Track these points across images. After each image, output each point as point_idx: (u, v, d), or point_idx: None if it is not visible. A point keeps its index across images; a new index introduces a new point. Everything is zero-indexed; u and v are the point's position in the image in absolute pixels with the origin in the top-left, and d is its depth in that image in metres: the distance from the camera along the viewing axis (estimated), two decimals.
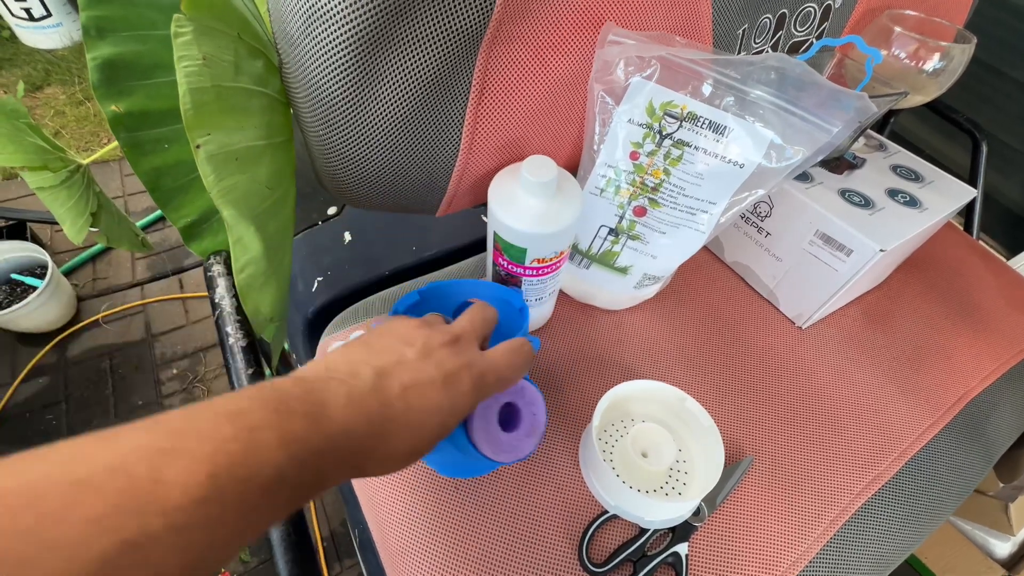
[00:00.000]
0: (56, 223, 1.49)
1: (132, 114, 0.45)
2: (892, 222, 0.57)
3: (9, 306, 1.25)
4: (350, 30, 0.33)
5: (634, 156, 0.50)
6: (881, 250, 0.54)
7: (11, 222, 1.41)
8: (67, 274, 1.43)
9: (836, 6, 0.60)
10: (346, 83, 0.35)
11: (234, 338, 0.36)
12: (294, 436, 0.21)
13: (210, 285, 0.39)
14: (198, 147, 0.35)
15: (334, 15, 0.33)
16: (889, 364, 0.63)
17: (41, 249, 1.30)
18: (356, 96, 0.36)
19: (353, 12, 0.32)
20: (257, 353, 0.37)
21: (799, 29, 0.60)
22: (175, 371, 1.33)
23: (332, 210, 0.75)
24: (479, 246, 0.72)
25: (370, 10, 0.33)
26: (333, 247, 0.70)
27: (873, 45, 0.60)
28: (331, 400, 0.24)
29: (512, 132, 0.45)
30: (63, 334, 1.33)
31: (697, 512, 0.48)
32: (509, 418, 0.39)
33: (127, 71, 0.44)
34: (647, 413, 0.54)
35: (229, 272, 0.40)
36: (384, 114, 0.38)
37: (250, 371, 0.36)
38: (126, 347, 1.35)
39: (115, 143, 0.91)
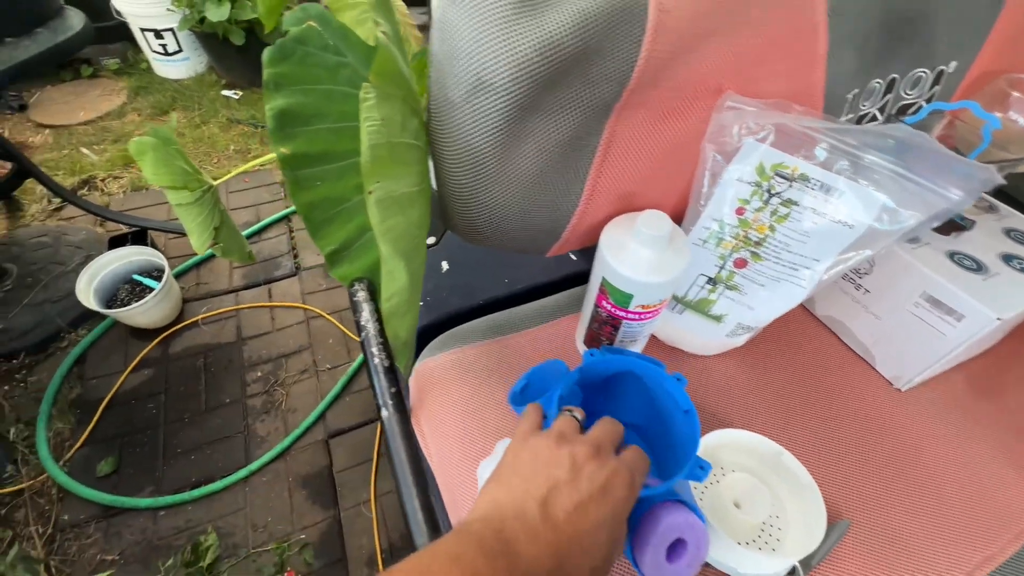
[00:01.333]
0: (172, 232, 1.67)
1: (295, 156, 0.52)
2: (1009, 289, 0.55)
3: (129, 303, 1.41)
4: (508, 99, 0.38)
5: (740, 212, 0.52)
6: (998, 319, 0.52)
7: (136, 229, 1.60)
8: (176, 278, 1.60)
9: (949, 70, 0.61)
10: (496, 141, 0.40)
11: (378, 359, 0.41)
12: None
13: (356, 309, 0.45)
14: (370, 192, 0.40)
15: (497, 87, 0.38)
16: (999, 437, 0.59)
17: (159, 254, 1.47)
18: (503, 152, 0.41)
19: (514, 85, 0.37)
20: (396, 373, 0.41)
21: (908, 92, 0.61)
22: (259, 373, 1.44)
23: (431, 240, 0.81)
24: (567, 282, 0.75)
25: (528, 83, 0.37)
26: (431, 275, 0.76)
27: (988, 109, 0.60)
28: (514, 538, 0.27)
29: (628, 185, 0.49)
30: (168, 331, 1.48)
31: (792, 572, 0.48)
32: (674, 546, 0.39)
33: (293, 119, 0.52)
34: (738, 463, 0.54)
35: (372, 298, 0.45)
36: (524, 168, 0.42)
37: (392, 390, 0.40)
38: (219, 348, 1.48)
39: (235, 170, 1.04)
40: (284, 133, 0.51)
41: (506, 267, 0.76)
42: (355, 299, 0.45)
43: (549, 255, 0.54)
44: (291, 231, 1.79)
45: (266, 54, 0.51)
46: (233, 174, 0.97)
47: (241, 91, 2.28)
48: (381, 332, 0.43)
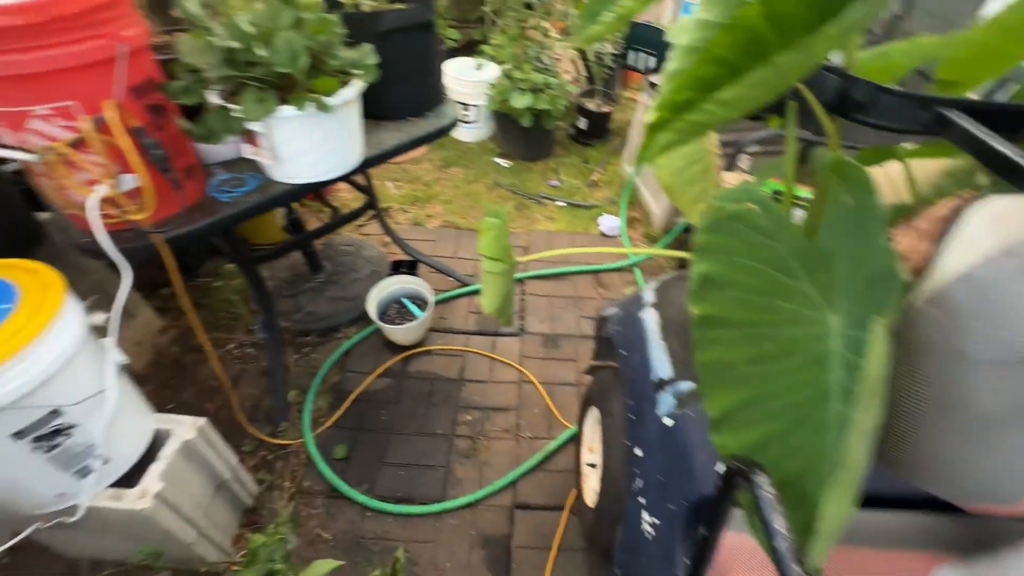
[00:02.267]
0: (436, 268, 1.97)
1: (703, 316, 0.56)
2: None
3: (394, 321, 1.69)
4: None
5: None
6: None
7: (412, 259, 1.93)
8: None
9: None
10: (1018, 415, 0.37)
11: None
12: None
13: (760, 506, 0.44)
14: (858, 424, 0.41)
15: None
16: None
17: (428, 288, 1.74)
18: (1014, 425, 0.38)
19: None
20: None
21: None
22: (468, 417, 1.57)
23: None
24: (899, 501, 0.66)
25: None
26: None
27: None
28: None
29: None
30: (411, 351, 1.72)
31: None
32: None
33: (711, 284, 0.56)
34: None
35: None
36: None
37: None
38: (443, 380, 1.66)
39: (536, 255, 1.14)
40: (700, 294, 0.56)
41: None
42: (761, 495, 0.44)
43: (971, 509, 0.48)
44: (523, 293, 1.97)
45: (703, 221, 0.57)
46: (530, 257, 1.11)
47: (512, 161, 2.65)
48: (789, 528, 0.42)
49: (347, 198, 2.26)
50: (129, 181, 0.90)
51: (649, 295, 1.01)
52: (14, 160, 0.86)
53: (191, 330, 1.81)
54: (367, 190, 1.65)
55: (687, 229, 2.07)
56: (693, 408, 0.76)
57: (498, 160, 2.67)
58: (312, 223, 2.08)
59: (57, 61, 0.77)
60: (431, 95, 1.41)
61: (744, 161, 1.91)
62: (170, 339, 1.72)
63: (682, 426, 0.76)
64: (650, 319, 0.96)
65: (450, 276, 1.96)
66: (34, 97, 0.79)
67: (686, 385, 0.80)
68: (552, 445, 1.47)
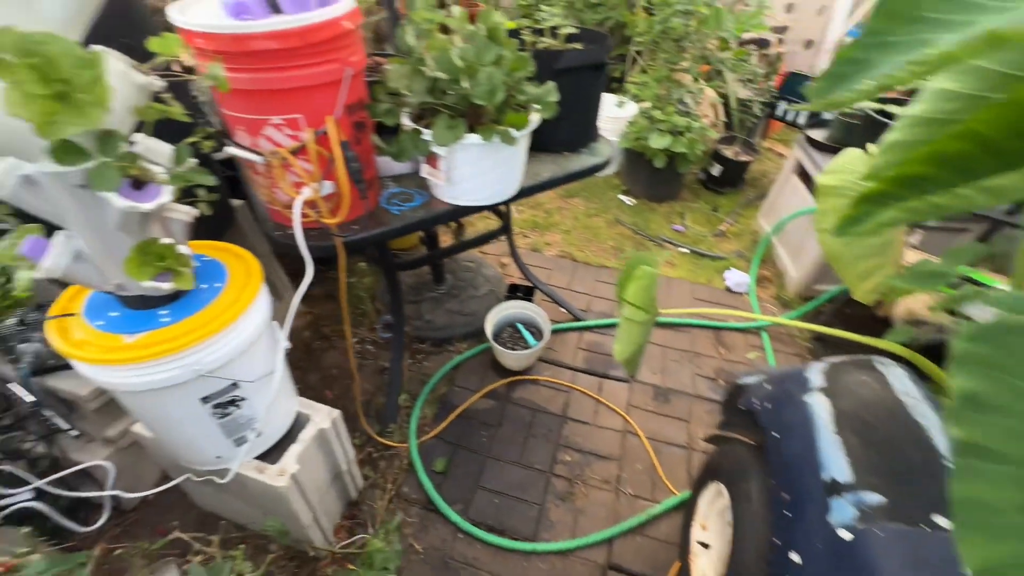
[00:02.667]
0: (552, 298, 1.96)
1: (965, 442, 0.48)
2: None
3: (506, 344, 1.70)
4: None
5: None
6: None
7: (530, 285, 1.94)
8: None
9: None
10: None
11: None
12: None
13: None
14: None
15: None
16: None
17: (545, 319, 1.73)
18: None
19: None
20: None
21: None
22: (568, 458, 1.52)
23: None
24: None
25: None
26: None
27: None
28: None
29: None
30: (517, 376, 1.72)
31: None
32: None
33: (974, 404, 0.48)
34: None
35: None
36: None
37: None
38: (545, 413, 1.63)
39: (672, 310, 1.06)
40: (962, 415, 0.47)
41: None
42: None
43: None
44: None
45: (968, 329, 0.49)
46: (677, 311, 1.05)
47: (636, 200, 2.61)
48: None
49: (473, 217, 2.35)
50: (328, 187, 0.99)
51: (817, 377, 0.91)
52: (234, 155, 0.99)
53: (322, 318, 1.99)
54: (504, 215, 1.69)
55: (832, 300, 1.87)
56: (884, 528, 0.66)
57: (622, 197, 2.64)
58: (443, 237, 2.19)
59: (300, 80, 0.87)
60: (589, 132, 1.42)
61: (915, 235, 1.70)
62: (304, 324, 1.88)
63: (866, 545, 0.66)
64: (819, 406, 0.85)
65: (564, 308, 1.95)
66: (273, 108, 0.91)
67: (874, 498, 0.69)
68: (656, 509, 1.37)
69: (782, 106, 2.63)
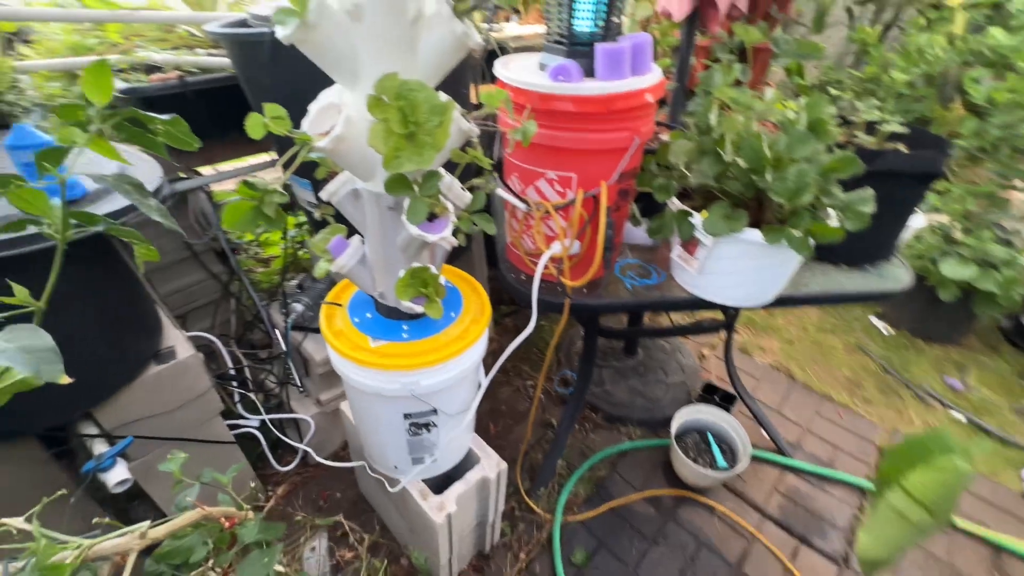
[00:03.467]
0: (757, 418, 1.64)
1: None
2: None
3: (688, 453, 1.47)
4: None
5: None
6: None
7: (732, 393, 1.67)
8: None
9: None
10: None
11: None
12: None
13: None
14: None
15: None
16: None
17: (744, 435, 1.45)
18: None
19: None
20: None
21: None
22: None
23: None
24: None
25: None
26: None
27: None
28: None
29: None
30: (689, 494, 1.47)
31: None
32: None
33: None
34: None
35: None
36: None
37: None
38: (714, 554, 1.35)
39: None
40: None
41: None
42: None
43: None
44: (862, 508, 1.46)
45: None
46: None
47: (895, 329, 2.09)
48: None
49: None
50: (576, 247, 0.97)
51: None
52: (502, 196, 1.03)
53: (502, 352, 2.04)
54: (731, 314, 1.49)
55: None
56: None
57: (875, 320, 2.14)
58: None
59: (589, 143, 0.87)
60: (884, 248, 1.15)
61: None
62: (488, 351, 1.94)
63: None
64: None
65: (768, 433, 1.62)
66: (553, 164, 0.92)
67: None
68: None
69: None
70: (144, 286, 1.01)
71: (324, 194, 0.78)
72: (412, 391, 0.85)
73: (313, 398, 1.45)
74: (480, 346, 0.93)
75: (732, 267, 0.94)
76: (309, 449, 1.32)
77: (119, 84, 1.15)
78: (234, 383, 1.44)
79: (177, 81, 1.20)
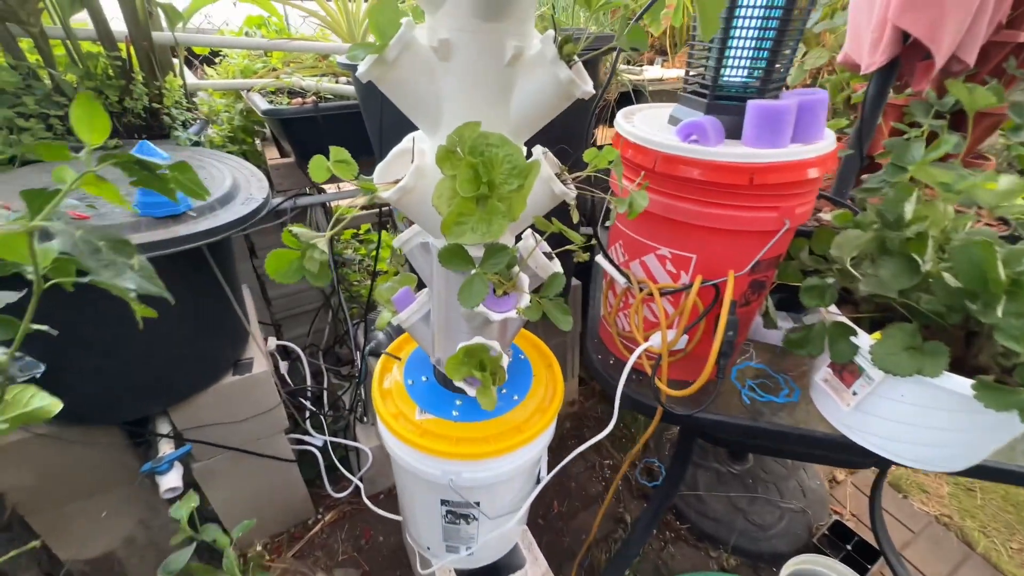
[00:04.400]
0: None
1: None
2: None
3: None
4: None
5: None
6: None
7: (873, 546, 1.27)
8: None
9: None
10: None
11: None
12: None
13: None
14: None
15: None
16: None
17: None
18: None
19: None
20: None
21: None
22: None
23: None
24: None
25: None
26: None
27: None
28: None
29: None
30: None
31: None
32: None
33: None
34: None
35: None
36: None
37: None
38: None
39: None
40: None
41: None
42: None
43: None
44: None
45: None
46: None
47: None
48: None
49: None
50: (682, 343, 0.77)
51: None
52: (601, 265, 0.87)
53: (583, 416, 1.83)
54: None
55: None
56: None
57: None
58: None
59: (721, 221, 0.68)
60: None
61: None
62: (564, 414, 1.75)
63: None
64: None
65: None
66: (668, 240, 0.74)
67: None
68: None
69: None
70: (233, 298, 1.04)
71: (396, 242, 0.70)
72: (452, 481, 0.73)
73: (374, 430, 1.40)
74: (542, 440, 0.77)
75: (910, 416, 0.66)
76: (360, 484, 1.26)
77: (263, 105, 1.23)
78: (306, 398, 1.45)
79: (311, 106, 1.25)
